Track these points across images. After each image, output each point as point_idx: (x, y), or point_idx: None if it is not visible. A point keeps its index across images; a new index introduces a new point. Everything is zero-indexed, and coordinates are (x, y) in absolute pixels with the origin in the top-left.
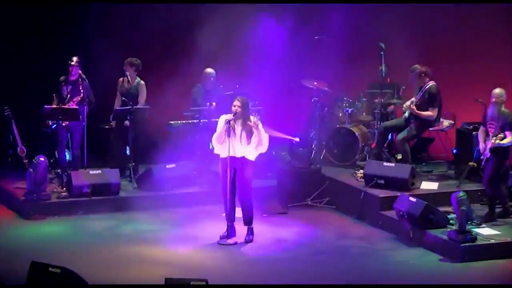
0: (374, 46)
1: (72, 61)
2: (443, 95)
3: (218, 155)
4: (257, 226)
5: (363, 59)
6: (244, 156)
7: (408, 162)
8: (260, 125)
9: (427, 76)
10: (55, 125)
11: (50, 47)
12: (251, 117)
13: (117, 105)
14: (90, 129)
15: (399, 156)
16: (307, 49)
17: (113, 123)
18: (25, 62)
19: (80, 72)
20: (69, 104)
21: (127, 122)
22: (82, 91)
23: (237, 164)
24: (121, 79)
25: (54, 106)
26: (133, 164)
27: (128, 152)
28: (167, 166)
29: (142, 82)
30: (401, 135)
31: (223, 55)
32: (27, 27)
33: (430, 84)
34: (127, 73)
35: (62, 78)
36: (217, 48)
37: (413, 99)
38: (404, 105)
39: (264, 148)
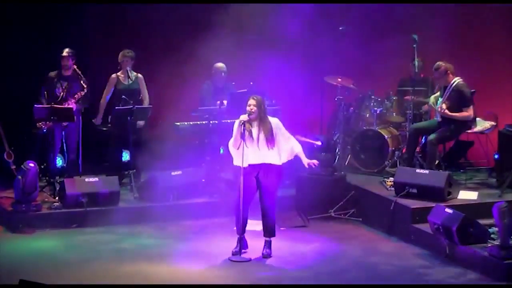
0: (406, 38)
1: (65, 52)
2: (483, 94)
3: (231, 160)
4: (274, 241)
5: (394, 53)
6: (268, 162)
7: (431, 167)
8: (281, 130)
9: (452, 73)
10: (46, 129)
11: (43, 41)
12: (271, 119)
13: (103, 105)
14: (85, 131)
15: (436, 162)
16: (330, 41)
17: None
18: (12, 57)
19: (75, 66)
20: (67, 102)
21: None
22: (85, 87)
23: (260, 171)
24: (114, 75)
25: (46, 105)
26: (134, 170)
27: (128, 157)
28: (172, 173)
29: (140, 75)
30: (432, 136)
31: (235, 49)
32: (16, 22)
33: (457, 81)
34: (128, 68)
35: (52, 73)
36: (228, 41)
37: (436, 94)
38: (430, 102)
39: (296, 149)
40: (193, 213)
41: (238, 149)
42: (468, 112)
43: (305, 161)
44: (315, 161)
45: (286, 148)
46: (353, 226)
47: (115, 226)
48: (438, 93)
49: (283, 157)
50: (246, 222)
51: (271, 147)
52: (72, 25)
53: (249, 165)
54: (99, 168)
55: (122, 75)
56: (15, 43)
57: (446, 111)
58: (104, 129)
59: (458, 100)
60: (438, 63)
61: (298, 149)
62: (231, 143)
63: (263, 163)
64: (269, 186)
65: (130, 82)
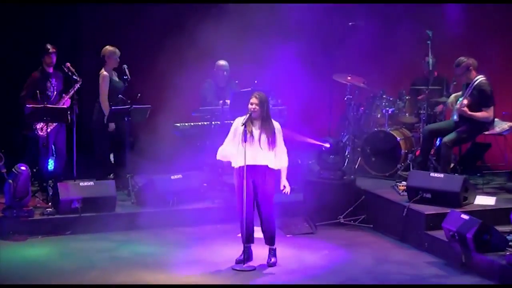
0: (420, 33)
1: (52, 48)
2: (501, 92)
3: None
4: (279, 249)
5: (406, 50)
6: (266, 165)
7: (446, 170)
8: (280, 136)
9: (475, 69)
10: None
11: (34, 42)
12: (275, 122)
13: (107, 106)
14: (79, 132)
15: (450, 165)
16: (339, 37)
17: (111, 125)
18: (3, 57)
19: (69, 64)
20: (61, 102)
21: (112, 125)
22: (79, 80)
23: (257, 173)
24: (106, 72)
25: (38, 105)
26: (131, 174)
27: (122, 159)
28: (172, 177)
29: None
30: (447, 138)
31: (238, 45)
32: (5, 22)
33: (480, 79)
34: (125, 66)
35: (36, 74)
36: (232, 37)
37: (457, 93)
38: (449, 101)
39: (282, 163)
40: (194, 219)
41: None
42: (488, 113)
43: (283, 181)
44: (288, 190)
45: (279, 156)
46: (363, 233)
47: (111, 233)
48: (460, 92)
49: (275, 163)
50: (253, 229)
51: (272, 148)
52: (63, 25)
53: (248, 166)
54: (93, 171)
55: (110, 73)
56: (7, 44)
57: (466, 109)
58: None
59: (479, 99)
60: (460, 58)
61: (284, 164)
62: (220, 152)
63: (260, 165)
64: (267, 190)
65: (117, 79)
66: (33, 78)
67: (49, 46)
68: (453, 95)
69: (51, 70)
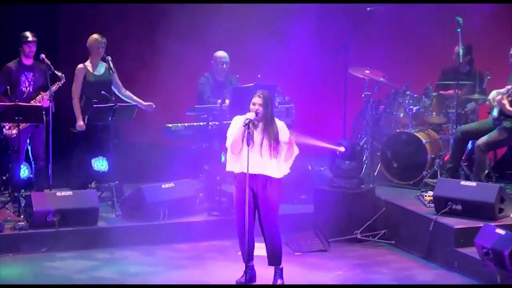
0: (450, 20)
1: (31, 36)
2: None
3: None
4: (287, 269)
5: (433, 39)
6: (267, 174)
7: (480, 178)
8: (287, 137)
9: None
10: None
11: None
12: (277, 122)
13: (78, 104)
14: (55, 135)
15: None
16: (355, 24)
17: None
18: None
19: (43, 55)
20: (36, 100)
21: (81, 124)
22: (61, 76)
23: (257, 184)
24: (81, 65)
25: (8, 102)
26: (116, 182)
27: (101, 165)
28: (163, 186)
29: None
30: (481, 140)
31: (239, 35)
32: None
33: None
34: (109, 58)
35: (11, 64)
36: (230, 25)
37: (503, 90)
38: (490, 97)
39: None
40: (187, 234)
41: (238, 153)
42: None
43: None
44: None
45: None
46: (383, 251)
47: (93, 250)
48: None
49: (283, 167)
50: (253, 245)
51: (274, 155)
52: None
53: (243, 175)
54: (71, 179)
55: (90, 65)
56: None
57: (506, 102)
58: (75, 131)
59: None
60: None
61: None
62: (231, 144)
63: (262, 174)
64: (271, 203)
65: (102, 72)
66: (6, 69)
67: (27, 34)
68: (495, 91)
69: (30, 62)
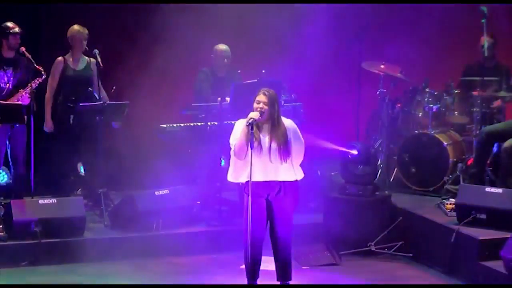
0: (473, 11)
1: (17, 28)
2: None
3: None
4: (294, 284)
5: (455, 31)
6: (281, 180)
7: (506, 184)
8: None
9: None
10: None
11: None
12: (285, 120)
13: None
14: (38, 137)
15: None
16: (369, 15)
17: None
18: None
19: (24, 48)
20: (16, 97)
21: (49, 124)
22: (43, 72)
23: (271, 191)
24: (61, 58)
25: None
26: (105, 189)
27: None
28: (156, 193)
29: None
30: (509, 142)
31: (241, 26)
32: None
33: None
34: (97, 51)
35: None
36: (233, 16)
37: None
38: None
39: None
40: (184, 247)
41: (244, 158)
42: None
43: None
44: None
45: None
46: (400, 265)
47: (79, 264)
48: None
49: (298, 170)
50: (259, 264)
51: (284, 159)
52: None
53: (255, 183)
54: (57, 185)
55: (71, 59)
56: None
57: None
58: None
59: None
60: None
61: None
62: (236, 147)
63: (275, 181)
64: (284, 212)
65: (82, 67)
66: None
67: (10, 25)
68: None
69: (11, 55)
